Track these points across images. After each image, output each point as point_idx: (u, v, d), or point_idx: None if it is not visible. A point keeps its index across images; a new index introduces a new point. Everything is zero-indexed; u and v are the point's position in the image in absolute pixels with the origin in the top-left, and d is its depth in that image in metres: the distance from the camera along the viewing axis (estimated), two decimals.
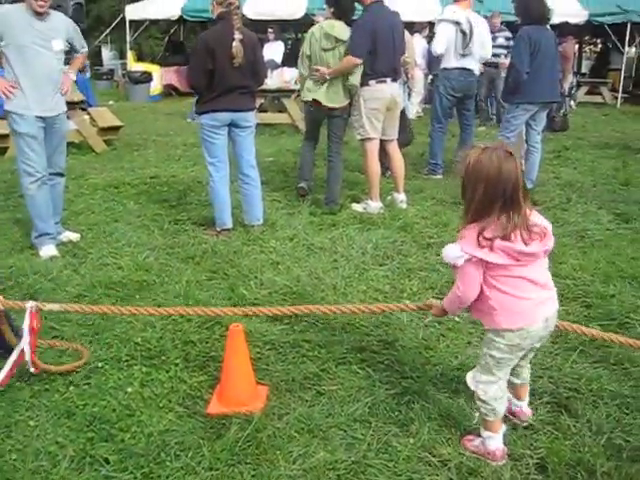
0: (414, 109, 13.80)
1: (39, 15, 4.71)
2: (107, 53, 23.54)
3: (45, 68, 4.84)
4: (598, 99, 18.16)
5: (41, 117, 4.90)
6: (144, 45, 22.25)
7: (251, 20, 17.37)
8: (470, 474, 2.60)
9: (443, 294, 4.23)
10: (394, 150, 6.71)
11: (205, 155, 5.66)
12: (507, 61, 7.80)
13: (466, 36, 7.77)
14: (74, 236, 5.54)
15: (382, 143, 6.56)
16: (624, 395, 3.22)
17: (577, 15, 17.15)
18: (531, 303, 2.59)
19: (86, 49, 5.46)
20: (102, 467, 2.65)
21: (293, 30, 22.78)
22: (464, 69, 7.88)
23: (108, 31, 19.74)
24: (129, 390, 3.18)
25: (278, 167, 8.39)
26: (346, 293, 4.36)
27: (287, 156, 9.12)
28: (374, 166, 6.46)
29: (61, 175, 5.44)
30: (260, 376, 3.32)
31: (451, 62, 7.88)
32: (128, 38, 18.71)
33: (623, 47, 18.39)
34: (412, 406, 3.07)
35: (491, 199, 2.46)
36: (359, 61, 6.04)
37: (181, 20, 19.34)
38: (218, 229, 5.65)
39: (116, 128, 10.12)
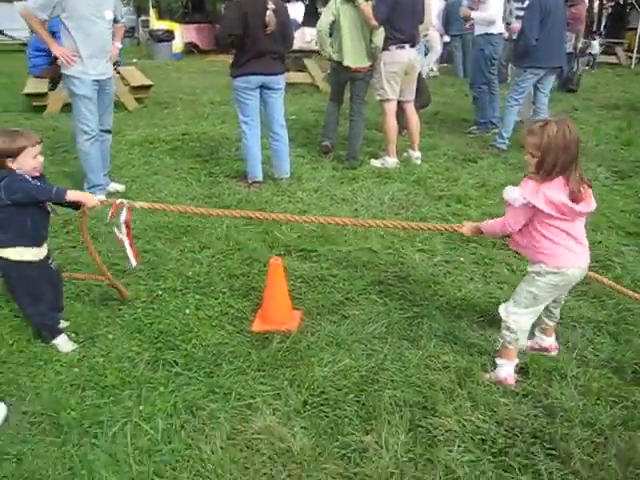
0: (428, 68, 14.25)
1: None
2: (123, 9, 23.87)
3: (100, 36, 5.43)
4: (613, 59, 18.37)
5: (96, 80, 5.50)
6: (163, 2, 22.57)
7: None
8: (466, 375, 3.24)
9: (452, 240, 4.90)
10: (411, 111, 7.25)
11: (239, 114, 6.23)
12: (518, 25, 8.19)
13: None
14: (120, 187, 6.17)
15: (400, 104, 7.10)
16: (599, 321, 3.85)
17: None
18: (566, 250, 3.07)
19: (124, 19, 6.03)
20: (172, 367, 3.31)
21: None
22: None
23: None
24: (187, 312, 3.84)
25: (300, 125, 8.95)
26: (366, 236, 4.97)
27: (308, 114, 9.66)
28: (392, 124, 7.02)
29: (109, 132, 6.04)
30: (294, 303, 3.95)
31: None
32: None
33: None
34: (421, 326, 3.72)
35: (564, 164, 2.90)
36: (377, 23, 6.55)
37: None
38: (250, 181, 6.26)
39: (146, 87, 10.67)
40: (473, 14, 8.55)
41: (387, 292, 4.13)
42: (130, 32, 21.70)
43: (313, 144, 7.77)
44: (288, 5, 15.65)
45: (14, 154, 3.28)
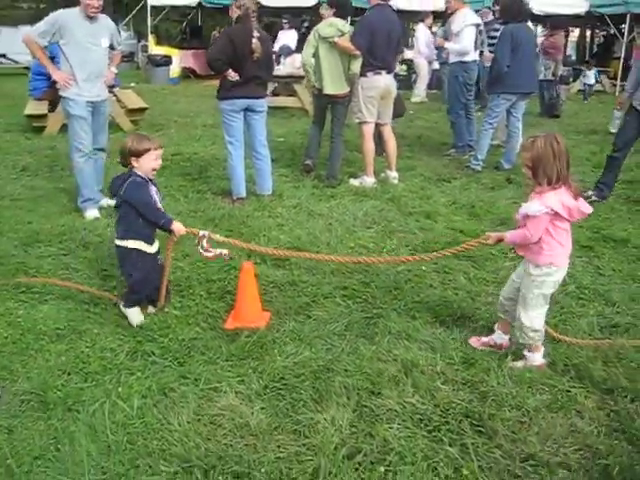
0: (419, 98, 14.79)
1: (91, 18, 5.73)
2: (124, 34, 24.50)
3: (96, 61, 5.88)
4: (599, 87, 18.91)
5: (91, 102, 5.93)
6: (162, 28, 23.19)
7: (265, 7, 18.35)
8: (412, 365, 3.62)
9: (417, 251, 5.31)
10: (388, 133, 7.69)
11: (225, 135, 6.67)
12: (490, 55, 8.70)
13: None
14: (112, 202, 6.55)
15: (377, 127, 7.53)
16: None
17: (578, 6, 17.97)
18: (567, 250, 3.61)
19: (122, 46, 6.48)
20: (150, 357, 3.69)
21: (307, 17, 23.63)
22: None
23: (131, 16, 20.68)
24: (166, 310, 4.22)
25: (287, 146, 9.39)
26: (337, 249, 5.38)
27: (296, 137, 10.11)
28: (369, 145, 7.46)
29: (103, 150, 6.46)
30: (265, 305, 4.34)
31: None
32: (149, 22, 19.69)
33: (622, 37, 19.18)
34: (378, 325, 4.11)
35: (561, 169, 3.40)
36: (358, 52, 7.02)
37: (199, 6, 20.32)
38: (234, 198, 6.68)
39: (142, 109, 11.13)
40: (446, 45, 9.05)
41: (350, 296, 4.52)
42: (130, 57, 22.30)
43: (297, 164, 8.20)
44: (281, 32, 16.30)
45: (139, 154, 3.92)
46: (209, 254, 3.98)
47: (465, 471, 2.88)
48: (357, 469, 2.85)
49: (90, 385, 3.43)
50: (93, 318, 4.15)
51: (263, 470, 2.82)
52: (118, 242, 4.05)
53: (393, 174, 7.68)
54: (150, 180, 4.09)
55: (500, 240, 3.78)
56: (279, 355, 3.72)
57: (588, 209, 3.53)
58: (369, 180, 7.46)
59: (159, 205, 4.09)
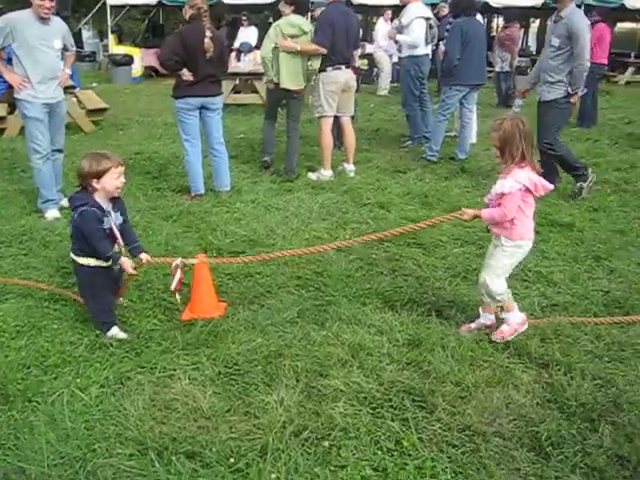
0: (385, 88, 15.01)
1: (43, 20, 5.81)
2: (86, 33, 24.36)
3: (49, 63, 5.96)
4: None
5: (46, 104, 6.02)
6: (124, 27, 23.08)
7: (226, 4, 18.43)
8: (360, 348, 3.81)
9: (369, 241, 5.44)
10: (347, 125, 7.87)
11: (181, 134, 6.79)
12: (443, 48, 8.94)
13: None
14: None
15: (338, 119, 7.70)
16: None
17: None
18: (532, 223, 3.93)
19: (75, 48, 6.58)
20: (108, 349, 3.83)
21: (269, 14, 23.70)
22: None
23: (90, 16, 20.57)
24: (124, 304, 4.35)
25: (247, 143, 9.54)
26: (292, 241, 5.55)
27: (256, 133, 10.20)
28: (327, 140, 7.64)
29: (60, 151, 6.54)
30: (221, 296, 4.49)
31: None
32: (109, 22, 19.63)
33: None
34: (329, 311, 4.29)
35: (526, 148, 3.69)
36: (325, 50, 7.18)
37: (160, 4, 20.30)
38: (192, 194, 6.82)
39: (102, 110, 11.17)
40: (397, 37, 9.25)
41: (303, 285, 4.70)
42: (92, 56, 22.17)
43: (256, 160, 8.34)
44: (242, 29, 16.36)
45: (99, 175, 3.76)
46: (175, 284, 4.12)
47: (405, 443, 3.07)
48: (303, 445, 3.03)
49: (50, 377, 3.55)
50: (53, 315, 4.26)
51: (215, 449, 2.98)
52: (73, 257, 4.01)
53: (350, 167, 7.86)
54: (114, 199, 3.96)
55: (476, 216, 3.99)
56: (233, 343, 3.87)
57: (550, 185, 3.86)
58: (326, 173, 7.63)
59: (115, 232, 3.96)
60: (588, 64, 6.65)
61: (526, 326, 4.04)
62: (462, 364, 3.70)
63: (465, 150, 8.61)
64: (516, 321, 4.02)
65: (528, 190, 3.76)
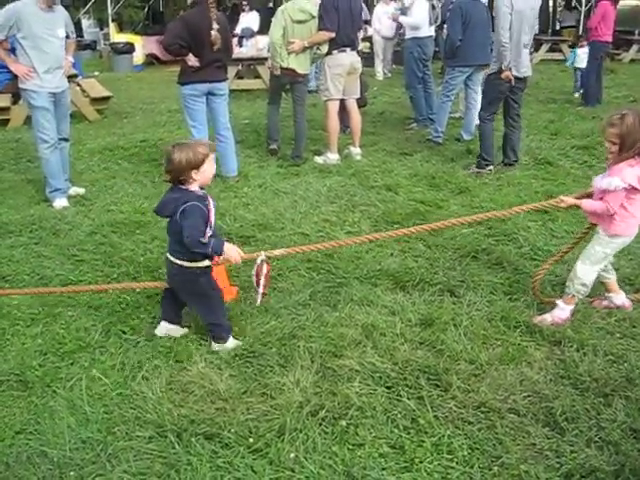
0: (380, 72, 14.96)
1: (47, 8, 5.80)
2: (86, 22, 24.22)
3: (54, 52, 5.95)
4: (560, 56, 19.17)
5: (52, 93, 6.02)
6: (124, 14, 22.97)
7: None
8: (373, 328, 3.84)
9: (378, 223, 5.49)
10: (353, 108, 7.86)
11: (187, 120, 6.80)
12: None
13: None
14: (80, 190, 6.68)
15: (343, 102, 7.69)
16: (495, 283, 4.46)
17: None
18: (638, 220, 3.84)
19: (75, 35, 6.57)
20: (122, 335, 3.86)
21: None
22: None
23: (90, 5, 20.48)
24: (137, 291, 4.38)
25: (252, 128, 9.53)
26: (301, 224, 5.56)
27: (261, 118, 10.19)
28: (334, 123, 7.63)
29: (66, 140, 6.55)
30: (233, 280, 4.52)
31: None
32: (109, 10, 19.55)
33: (581, 5, 19.49)
34: (340, 293, 4.32)
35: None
36: (333, 34, 7.17)
37: None
38: None
39: (106, 98, 11.16)
40: (400, 18, 9.22)
41: (314, 268, 4.72)
42: (92, 45, 22.07)
43: (262, 145, 8.34)
44: (243, 14, 16.28)
45: (199, 164, 3.42)
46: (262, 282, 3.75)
47: (421, 420, 3.10)
48: (320, 424, 3.06)
49: (67, 363, 3.59)
50: (66, 302, 4.29)
51: (233, 430, 3.01)
52: (188, 264, 3.59)
53: (356, 150, 7.86)
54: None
55: (576, 205, 3.96)
56: (247, 326, 3.90)
57: None
58: (333, 157, 7.63)
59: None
60: (502, 39, 6.64)
61: (564, 325, 3.96)
62: (475, 342, 3.73)
63: (470, 131, 8.60)
64: (561, 316, 3.99)
65: (635, 188, 3.71)
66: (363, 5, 16.06)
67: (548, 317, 4.00)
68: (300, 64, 7.37)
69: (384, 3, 14.83)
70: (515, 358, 3.60)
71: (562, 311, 3.99)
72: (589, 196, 3.94)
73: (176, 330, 3.88)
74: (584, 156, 7.97)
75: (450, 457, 2.90)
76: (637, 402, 3.25)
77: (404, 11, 9.21)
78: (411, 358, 3.56)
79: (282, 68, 7.38)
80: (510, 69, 6.74)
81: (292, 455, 2.88)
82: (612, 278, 4.18)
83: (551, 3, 28.52)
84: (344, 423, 3.07)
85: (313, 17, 7.23)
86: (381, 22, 14.60)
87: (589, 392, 3.33)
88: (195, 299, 3.77)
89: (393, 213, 5.76)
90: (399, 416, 3.13)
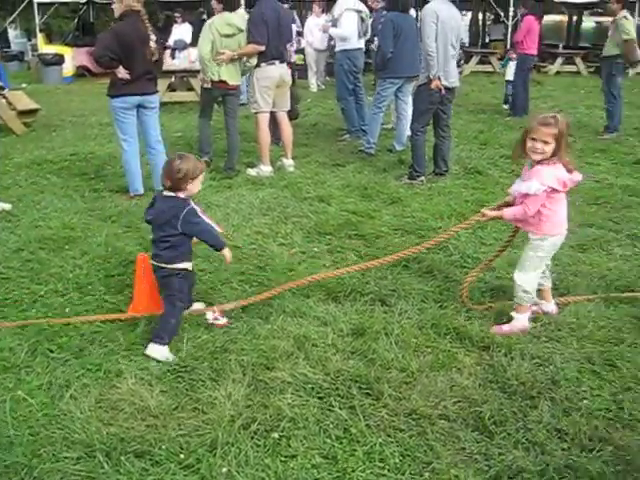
0: (313, 84, 15.07)
1: None
2: (12, 32, 23.63)
3: None
4: (489, 68, 19.68)
5: None
6: (53, 25, 22.49)
7: (159, 1, 18.19)
8: (305, 340, 3.85)
9: (311, 234, 5.51)
10: (283, 120, 7.89)
11: (118, 133, 6.70)
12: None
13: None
14: (7, 206, 6.49)
15: (274, 115, 7.71)
16: (426, 291, 4.54)
17: None
18: (562, 218, 3.96)
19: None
20: (49, 354, 3.77)
21: (202, 10, 23.46)
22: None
23: (15, 14, 19.97)
24: (66, 310, 4.29)
25: (185, 141, 9.47)
26: (233, 237, 5.54)
27: (193, 131, 10.09)
28: (265, 135, 7.65)
29: None
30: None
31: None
32: (37, 20, 19.12)
33: (508, 19, 20.09)
34: (273, 305, 4.32)
35: (567, 148, 3.79)
36: (262, 48, 7.18)
37: (89, 1, 19.89)
38: (131, 194, 6.74)
39: (34, 111, 10.91)
40: (330, 30, 9.35)
41: (247, 280, 4.71)
42: (20, 56, 21.53)
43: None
44: (175, 26, 16.16)
45: (195, 177, 3.80)
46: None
47: (353, 430, 3.12)
48: (252, 437, 3.05)
49: None
50: None
51: (164, 447, 2.97)
52: (165, 265, 3.91)
53: (289, 162, 7.89)
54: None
55: (497, 217, 4.11)
56: (179, 340, 3.86)
57: (579, 176, 3.90)
58: (266, 169, 7.64)
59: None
60: (429, 49, 6.81)
61: (523, 335, 4.02)
62: (406, 351, 3.78)
63: (402, 142, 8.74)
64: (520, 326, 4.05)
65: (555, 189, 3.82)
66: (296, 17, 16.27)
67: (507, 327, 4.07)
68: (231, 76, 7.38)
69: (315, 15, 14.97)
70: (445, 365, 3.67)
71: (517, 321, 4.07)
72: (508, 204, 4.06)
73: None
74: (512, 165, 8.16)
75: (382, 465, 2.92)
76: (562, 403, 3.35)
77: (334, 23, 9.30)
78: (343, 368, 3.58)
79: (213, 81, 7.36)
80: (439, 78, 6.88)
81: (224, 470, 2.86)
82: (547, 285, 4.30)
83: (481, 17, 29.27)
84: (276, 435, 3.06)
85: (241, 31, 7.24)
86: (313, 34, 14.70)
87: (516, 395, 3.41)
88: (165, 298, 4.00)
89: (325, 224, 5.80)
90: (331, 426, 3.15)
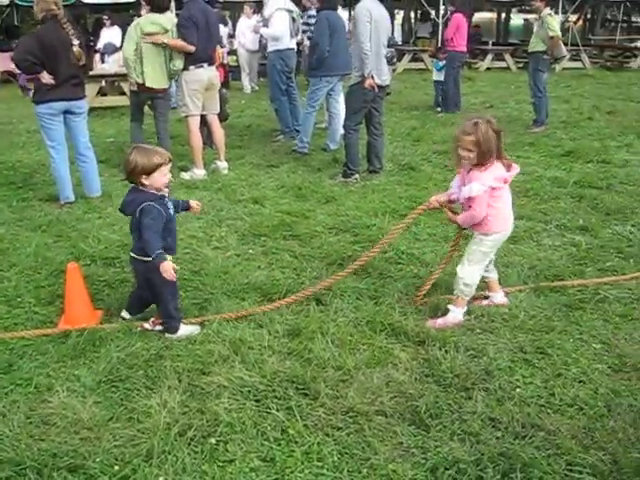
0: (246, 86, 15.04)
1: None
2: None
3: None
4: (422, 65, 19.96)
5: None
6: None
7: (86, 4, 17.84)
8: (241, 342, 3.82)
9: (245, 236, 5.49)
10: (214, 123, 7.84)
11: (45, 140, 6.54)
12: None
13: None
14: None
15: (205, 118, 7.65)
16: (361, 289, 4.57)
17: None
18: (507, 215, 4.10)
19: None
20: None
21: (133, 12, 23.10)
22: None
23: None
24: None
25: (117, 146, 9.30)
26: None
27: (126, 136, 9.91)
28: (196, 139, 7.59)
29: None
30: (98, 304, 4.38)
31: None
32: None
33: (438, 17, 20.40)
34: (208, 309, 4.29)
35: (497, 150, 3.86)
36: (193, 48, 7.12)
37: (13, 3, 19.35)
38: (62, 202, 6.59)
39: None
40: (261, 30, 9.34)
41: (181, 286, 4.60)
42: None
43: None
44: (104, 29, 15.87)
45: (150, 171, 3.63)
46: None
47: (291, 431, 3.12)
48: (189, 444, 3.01)
49: None
50: None
51: (98, 459, 2.91)
52: (143, 258, 3.79)
53: (223, 164, 7.84)
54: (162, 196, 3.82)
55: (454, 222, 4.23)
56: (113, 350, 3.79)
57: (517, 169, 4.02)
58: (199, 172, 7.58)
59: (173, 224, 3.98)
60: (364, 48, 6.86)
61: (458, 328, 4.10)
62: (342, 349, 3.79)
63: (336, 140, 8.78)
64: (454, 320, 4.12)
65: (494, 188, 3.91)
66: (227, 19, 16.16)
67: (441, 321, 4.13)
68: (157, 79, 7.26)
69: (246, 17, 14.91)
70: (381, 361, 3.70)
71: (452, 314, 4.14)
72: (451, 201, 4.20)
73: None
74: (445, 160, 8.33)
75: (320, 464, 2.92)
76: (496, 393, 3.41)
77: (266, 23, 9.29)
78: (279, 369, 3.57)
79: (139, 84, 7.25)
80: (372, 77, 6.94)
81: (161, 479, 2.82)
82: (493, 277, 4.39)
83: (413, 15, 29.65)
84: (213, 441, 3.04)
85: (166, 30, 7.14)
86: (245, 35, 14.64)
87: (452, 387, 3.46)
88: (152, 292, 3.94)
89: (260, 226, 5.79)
90: (269, 428, 3.14)
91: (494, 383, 3.49)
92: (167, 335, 3.94)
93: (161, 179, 3.73)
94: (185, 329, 3.98)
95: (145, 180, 3.69)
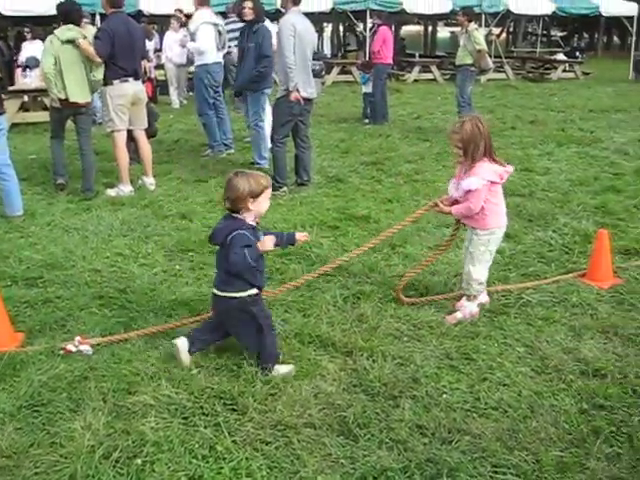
0: (174, 101, 14.93)
1: None
2: None
3: None
4: (350, 78, 20.18)
5: None
6: None
7: (6, 17, 17.36)
8: (167, 360, 3.77)
9: (173, 252, 5.43)
10: (141, 138, 7.74)
11: None
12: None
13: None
14: None
15: (131, 133, 7.54)
16: (289, 301, 4.58)
17: (325, 3, 19.01)
18: (504, 210, 4.30)
19: None
20: None
21: (55, 26, 22.63)
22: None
23: None
24: None
25: (40, 163, 9.07)
26: (92, 261, 5.37)
27: (48, 153, 9.67)
28: (122, 154, 7.46)
29: None
30: (19, 327, 4.25)
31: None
32: None
33: (365, 30, 20.66)
34: (134, 328, 4.21)
35: (487, 146, 4.05)
36: (99, 59, 7.00)
37: None
38: None
39: None
40: (188, 44, 9.29)
41: (107, 304, 4.57)
42: None
43: (51, 181, 7.93)
44: (25, 43, 15.49)
45: (257, 195, 3.49)
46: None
47: (219, 447, 3.09)
48: (114, 466, 2.95)
49: None
50: None
51: None
52: (239, 294, 3.64)
53: (150, 180, 7.74)
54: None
55: (447, 213, 4.35)
56: (34, 373, 3.68)
57: (511, 168, 4.29)
58: (125, 189, 7.46)
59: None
60: (288, 62, 6.93)
61: (476, 318, 4.36)
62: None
63: (264, 155, 8.73)
64: (473, 312, 4.36)
65: (493, 182, 4.12)
66: (155, 33, 15.98)
67: (459, 315, 4.35)
68: (80, 93, 7.11)
69: (173, 30, 14.79)
70: (310, 373, 3.70)
71: (470, 307, 4.37)
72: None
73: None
74: (372, 171, 8.45)
75: None
76: (423, 400, 3.47)
77: (192, 37, 9.24)
78: (207, 385, 3.54)
79: (61, 100, 7.10)
80: (298, 90, 6.97)
81: None
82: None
83: (342, 28, 30.01)
84: (139, 461, 2.98)
85: (85, 37, 7.01)
86: (172, 49, 14.51)
87: (379, 396, 3.50)
88: (244, 330, 3.75)
89: (187, 241, 5.73)
90: (196, 446, 3.10)
91: (421, 390, 3.55)
92: (266, 374, 3.67)
93: (266, 203, 3.64)
94: (284, 367, 3.74)
95: (251, 205, 3.53)
